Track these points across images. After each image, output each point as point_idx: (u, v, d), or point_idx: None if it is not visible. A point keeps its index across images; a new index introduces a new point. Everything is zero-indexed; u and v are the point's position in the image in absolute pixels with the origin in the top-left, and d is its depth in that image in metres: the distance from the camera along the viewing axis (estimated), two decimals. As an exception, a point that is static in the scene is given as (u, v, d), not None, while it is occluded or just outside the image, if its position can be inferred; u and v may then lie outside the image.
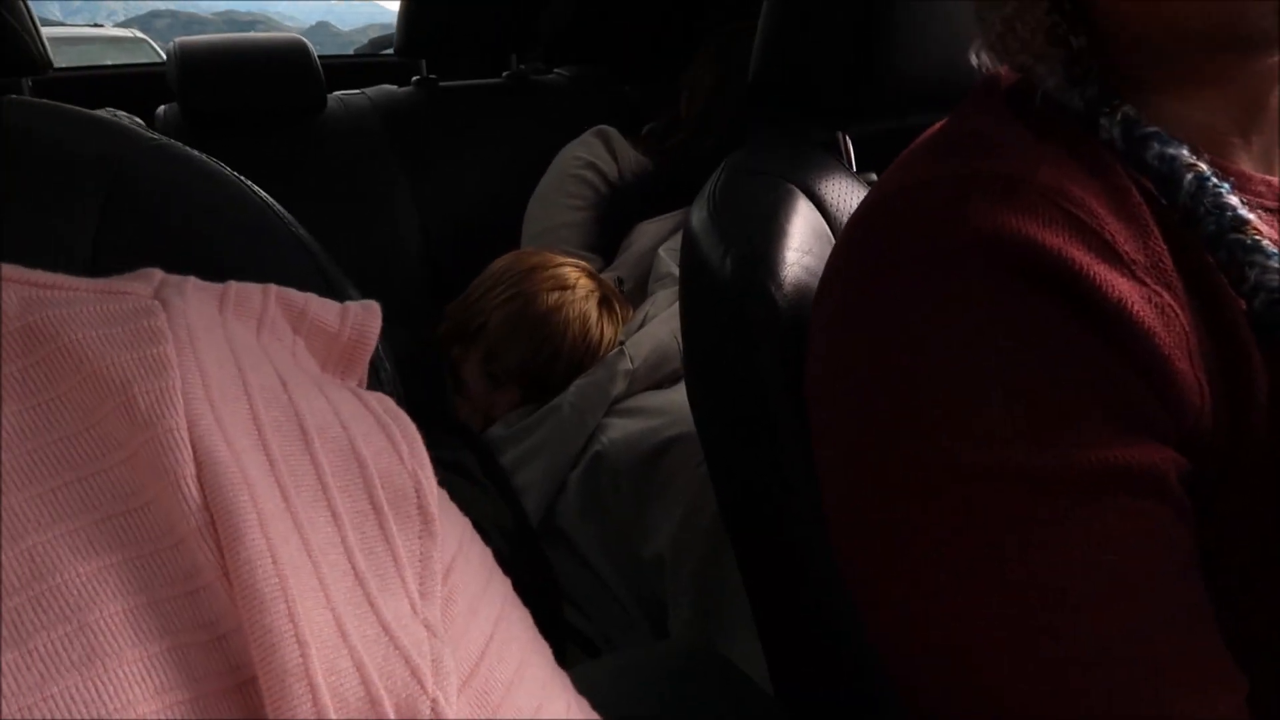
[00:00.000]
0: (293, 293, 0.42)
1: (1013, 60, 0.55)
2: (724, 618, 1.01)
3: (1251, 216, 0.48)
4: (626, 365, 1.17)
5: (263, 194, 0.59)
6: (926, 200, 0.50)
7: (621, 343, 1.24)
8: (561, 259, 1.34)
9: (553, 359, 1.23)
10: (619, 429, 1.13)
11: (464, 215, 1.75)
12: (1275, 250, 0.47)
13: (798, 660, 0.75)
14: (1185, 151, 0.49)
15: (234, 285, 0.40)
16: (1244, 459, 0.46)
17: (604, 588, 1.12)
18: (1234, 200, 0.48)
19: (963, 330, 0.46)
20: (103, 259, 0.52)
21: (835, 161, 0.87)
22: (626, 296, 1.38)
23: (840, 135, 0.89)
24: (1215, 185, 0.48)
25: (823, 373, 0.53)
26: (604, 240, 1.55)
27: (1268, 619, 0.47)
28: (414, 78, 1.87)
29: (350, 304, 0.44)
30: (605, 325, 1.27)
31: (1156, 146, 0.49)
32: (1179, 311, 0.46)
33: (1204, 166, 0.49)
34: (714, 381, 0.77)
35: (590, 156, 1.59)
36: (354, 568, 0.31)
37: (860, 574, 0.50)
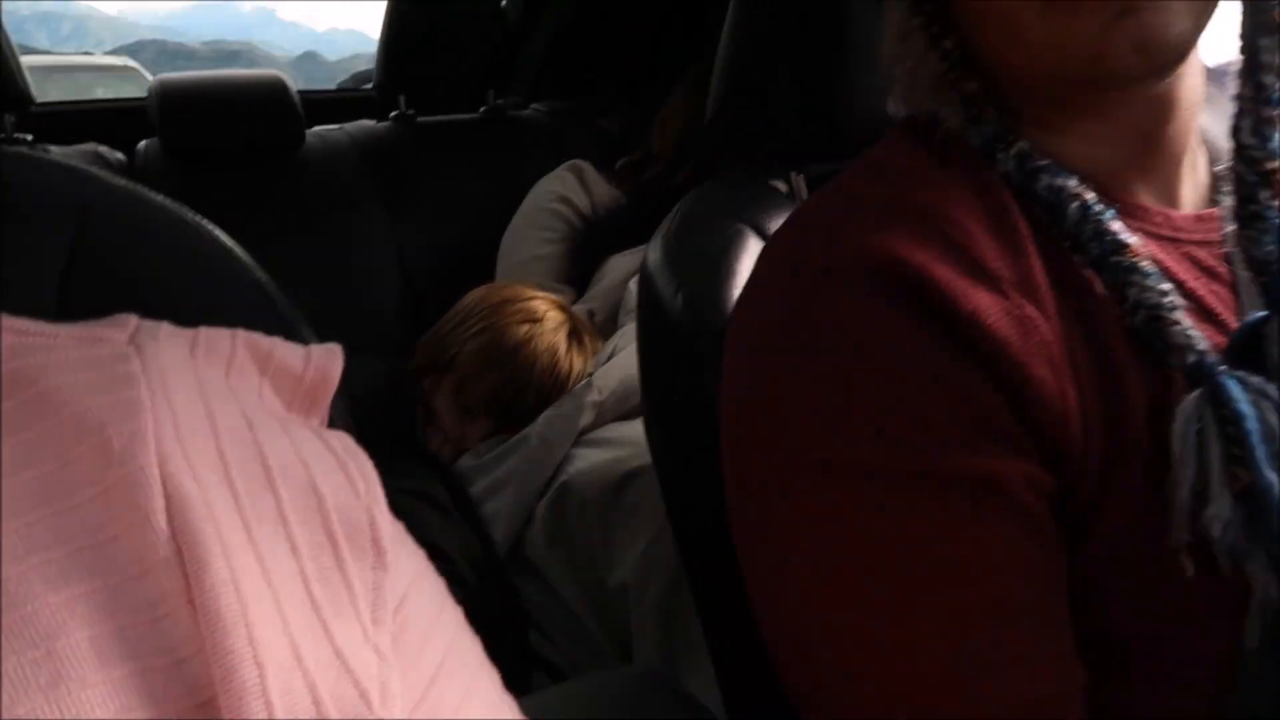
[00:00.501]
0: (259, 337, 0.45)
1: (918, 106, 0.59)
2: (688, 643, 1.03)
3: (1133, 240, 0.51)
4: (594, 397, 1.20)
5: (224, 238, 0.61)
6: (818, 221, 0.56)
7: (590, 374, 1.26)
8: (533, 292, 1.37)
9: (522, 391, 1.26)
10: (586, 459, 1.15)
11: (442, 248, 1.77)
12: (1154, 270, 0.51)
13: (755, 689, 0.77)
14: (1073, 182, 0.53)
15: (204, 331, 0.43)
16: (1122, 478, 0.49)
17: (571, 616, 1.14)
18: (1115, 226, 0.52)
19: (837, 341, 0.50)
20: (68, 299, 0.54)
21: (788, 201, 0.90)
22: (597, 328, 1.41)
23: (794, 175, 0.92)
24: (1098, 213, 0.52)
25: (726, 378, 0.57)
26: (577, 272, 1.58)
27: (1150, 636, 0.50)
28: (392, 113, 1.90)
29: (314, 347, 0.47)
30: (574, 357, 1.30)
31: (1046, 178, 0.53)
32: (1042, 323, 0.49)
33: (1090, 196, 0.53)
34: (669, 416, 0.80)
35: (563, 190, 1.62)
36: (310, 596, 0.34)
37: (742, 555, 0.55)
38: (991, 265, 0.50)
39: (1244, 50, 0.55)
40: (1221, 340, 0.52)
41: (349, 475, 0.38)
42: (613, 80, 2.13)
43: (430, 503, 1.10)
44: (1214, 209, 0.58)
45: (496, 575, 1.10)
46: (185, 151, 1.67)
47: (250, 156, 1.69)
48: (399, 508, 0.45)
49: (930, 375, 0.48)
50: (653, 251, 0.83)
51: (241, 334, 0.44)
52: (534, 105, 2.06)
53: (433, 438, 1.29)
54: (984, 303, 0.49)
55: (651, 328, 0.82)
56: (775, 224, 0.86)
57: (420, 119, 1.90)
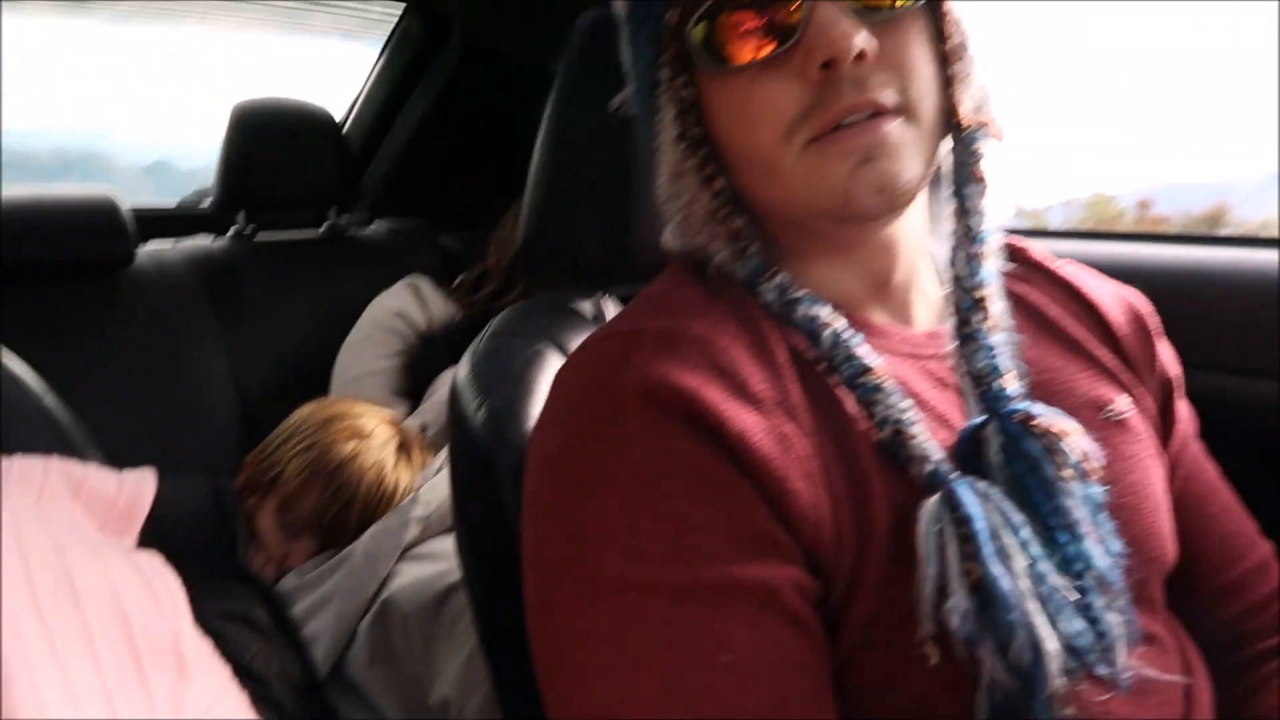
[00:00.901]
0: (73, 465, 0.48)
1: (691, 242, 0.66)
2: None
3: (878, 362, 0.59)
4: (419, 511, 1.21)
5: (14, 366, 0.63)
6: (602, 354, 0.61)
7: (418, 489, 1.28)
8: (362, 408, 1.38)
9: (346, 508, 1.26)
10: (409, 575, 1.16)
11: (278, 366, 1.76)
12: (896, 390, 0.59)
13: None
14: (827, 311, 0.61)
15: (18, 460, 0.46)
16: (869, 575, 0.55)
17: (392, 735, 1.13)
18: (863, 350, 0.60)
19: (624, 464, 0.55)
20: None
21: (592, 323, 0.96)
22: (429, 442, 1.43)
23: (599, 296, 0.98)
24: (848, 340, 0.60)
25: (526, 504, 0.61)
26: (412, 386, 1.61)
27: (893, 716, 0.56)
28: (231, 229, 1.90)
29: (127, 473, 0.50)
30: (401, 472, 1.31)
31: (803, 308, 0.61)
32: (800, 440, 0.56)
33: (841, 323, 0.61)
34: (473, 529, 0.83)
35: (400, 306, 1.66)
36: (112, 707, 0.36)
37: (543, 674, 0.57)
38: (755, 388, 0.57)
39: (955, 196, 0.66)
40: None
41: (155, 594, 0.42)
42: (455, 199, 2.20)
43: (249, 625, 1.08)
44: (943, 326, 0.67)
45: (314, 698, 1.08)
46: (9, 268, 1.62)
47: (78, 274, 1.66)
48: (216, 631, 0.47)
49: (708, 492, 0.54)
50: (461, 368, 0.87)
51: (55, 463, 0.48)
52: (376, 223, 2.10)
53: (255, 557, 1.27)
54: (749, 422, 0.55)
55: (457, 442, 0.85)
56: (578, 343, 0.92)
57: (259, 236, 1.91)
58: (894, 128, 0.58)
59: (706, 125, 0.63)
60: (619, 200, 0.91)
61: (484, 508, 0.79)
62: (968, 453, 0.59)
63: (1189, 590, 0.71)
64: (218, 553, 1.20)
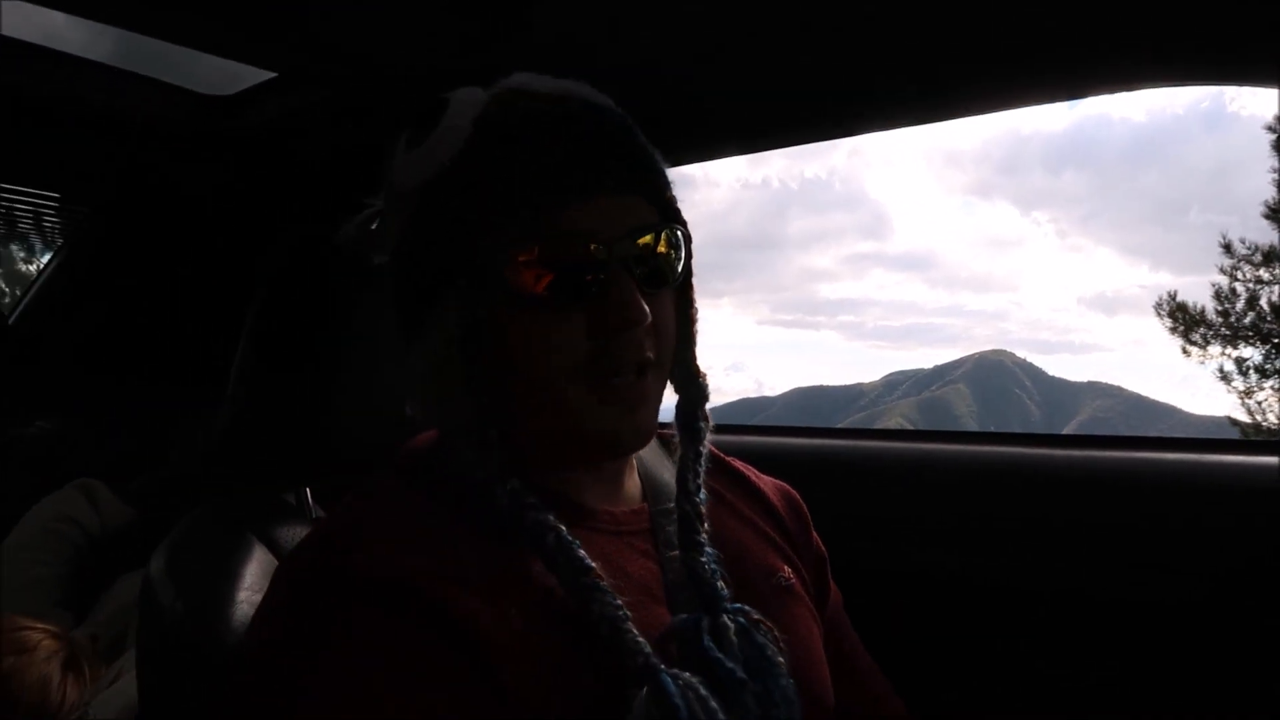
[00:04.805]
0: None
1: (443, 430, 0.71)
2: None
3: (594, 565, 0.66)
4: (90, 727, 1.13)
5: None
6: (327, 547, 0.64)
7: (88, 704, 1.19)
8: (24, 622, 1.28)
9: (4, 728, 1.14)
10: (78, 797, 1.07)
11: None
12: (610, 589, 0.65)
13: None
14: (550, 518, 0.67)
15: None
16: None
17: None
18: (583, 554, 0.66)
19: (349, 657, 0.58)
20: None
21: (297, 512, 0.98)
22: (101, 654, 1.33)
23: (302, 490, 1.01)
24: (569, 543, 0.66)
25: (239, 693, 0.61)
26: (80, 595, 1.49)
27: None
28: None
29: None
30: (69, 686, 1.21)
31: (531, 515, 0.67)
32: (521, 624, 0.62)
33: (562, 528, 0.67)
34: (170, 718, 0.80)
35: (69, 510, 1.56)
36: None
37: None
38: (479, 580, 0.63)
39: (685, 428, 0.80)
40: (659, 611, 0.69)
41: None
42: (140, 400, 2.10)
43: None
44: (644, 504, 0.78)
45: None
46: None
47: None
48: None
49: (432, 676, 0.58)
50: (155, 562, 0.86)
51: None
52: (38, 423, 1.96)
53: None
54: (474, 608, 0.60)
55: (152, 638, 0.83)
56: (283, 532, 0.94)
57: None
58: (650, 381, 0.70)
59: (488, 345, 0.68)
60: (322, 394, 0.95)
61: (189, 702, 0.78)
62: (682, 641, 0.67)
63: None
64: None
